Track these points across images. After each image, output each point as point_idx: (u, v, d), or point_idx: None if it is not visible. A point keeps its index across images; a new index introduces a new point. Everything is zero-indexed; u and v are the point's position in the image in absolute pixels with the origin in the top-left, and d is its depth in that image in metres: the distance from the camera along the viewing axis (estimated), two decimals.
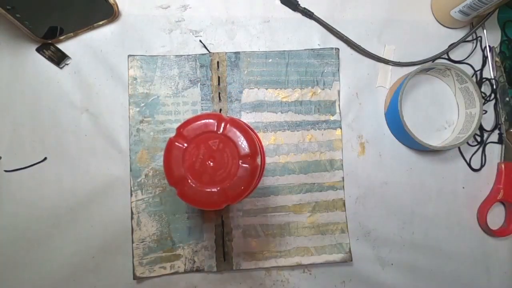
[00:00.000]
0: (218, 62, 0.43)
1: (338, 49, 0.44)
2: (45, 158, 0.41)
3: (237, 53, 0.43)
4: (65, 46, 0.43)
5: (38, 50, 0.42)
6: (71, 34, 0.42)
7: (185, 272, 0.41)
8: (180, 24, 0.44)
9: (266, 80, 0.43)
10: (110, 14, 0.42)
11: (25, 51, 0.42)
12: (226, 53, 0.43)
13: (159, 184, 0.41)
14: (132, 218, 0.41)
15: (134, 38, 0.43)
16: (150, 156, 0.41)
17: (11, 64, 0.42)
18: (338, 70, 0.44)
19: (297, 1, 0.44)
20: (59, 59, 0.42)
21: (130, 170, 0.41)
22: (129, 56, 0.42)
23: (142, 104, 0.42)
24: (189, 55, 0.43)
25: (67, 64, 0.42)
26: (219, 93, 0.43)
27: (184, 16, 0.44)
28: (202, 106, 0.42)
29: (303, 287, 0.43)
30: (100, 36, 0.43)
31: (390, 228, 0.44)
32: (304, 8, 0.44)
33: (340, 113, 0.44)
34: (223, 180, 0.31)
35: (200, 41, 0.43)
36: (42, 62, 0.42)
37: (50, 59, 0.42)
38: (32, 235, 0.41)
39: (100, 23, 0.42)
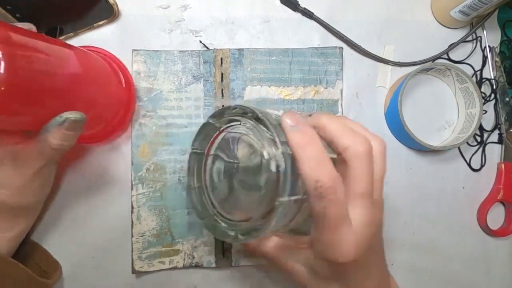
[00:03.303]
0: (221, 59, 0.43)
1: (342, 48, 0.44)
2: None
3: (240, 50, 0.43)
4: None
5: None
6: (71, 34, 0.42)
7: (184, 267, 0.41)
8: (180, 24, 0.44)
9: (269, 78, 0.43)
10: (110, 14, 0.42)
11: None
12: (230, 49, 0.43)
13: (160, 179, 0.41)
14: (132, 212, 0.41)
15: (134, 38, 0.43)
16: (152, 150, 0.41)
17: None
18: (342, 69, 0.44)
19: (297, 1, 0.44)
20: None
21: (132, 164, 0.41)
22: (133, 50, 0.42)
23: (145, 99, 0.42)
24: (193, 50, 0.43)
25: None
26: (222, 90, 0.43)
27: (184, 16, 0.44)
28: (204, 102, 0.42)
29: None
30: (100, 36, 0.43)
31: (390, 228, 0.44)
32: (304, 8, 0.44)
33: (342, 112, 0.44)
34: None
35: (200, 41, 0.43)
36: None
37: None
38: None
39: (100, 23, 0.42)
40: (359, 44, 0.44)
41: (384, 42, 0.45)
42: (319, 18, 0.44)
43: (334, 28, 0.44)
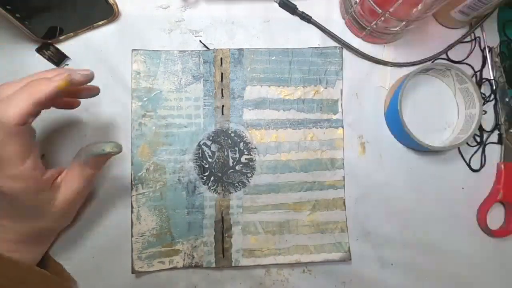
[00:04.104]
0: (221, 59, 0.43)
1: (342, 48, 0.44)
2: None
3: (240, 49, 0.43)
4: (65, 46, 0.43)
5: (38, 50, 0.42)
6: (71, 34, 0.42)
7: (184, 267, 0.41)
8: (180, 24, 0.44)
9: (269, 78, 0.43)
10: (110, 14, 0.42)
11: (25, 51, 0.42)
12: (229, 49, 0.43)
13: (160, 179, 0.41)
14: (132, 212, 0.41)
15: (134, 38, 0.43)
16: (152, 150, 0.42)
17: (11, 65, 0.42)
18: (341, 69, 0.44)
19: (295, 5, 0.44)
20: (58, 59, 0.42)
21: (132, 164, 0.41)
22: (133, 50, 0.42)
23: (145, 99, 0.42)
24: (193, 50, 0.43)
25: (67, 65, 0.42)
26: (222, 90, 0.43)
27: (184, 16, 0.44)
28: (204, 102, 0.42)
29: (303, 287, 0.42)
30: (100, 36, 0.43)
31: (390, 228, 0.44)
32: (302, 12, 0.44)
33: (342, 112, 0.44)
34: None
35: (200, 41, 0.43)
36: (42, 63, 0.42)
37: (50, 59, 0.42)
38: None
39: (100, 23, 0.42)
40: (357, 48, 0.44)
41: (383, 42, 0.45)
42: (317, 22, 0.44)
43: (332, 32, 0.44)
